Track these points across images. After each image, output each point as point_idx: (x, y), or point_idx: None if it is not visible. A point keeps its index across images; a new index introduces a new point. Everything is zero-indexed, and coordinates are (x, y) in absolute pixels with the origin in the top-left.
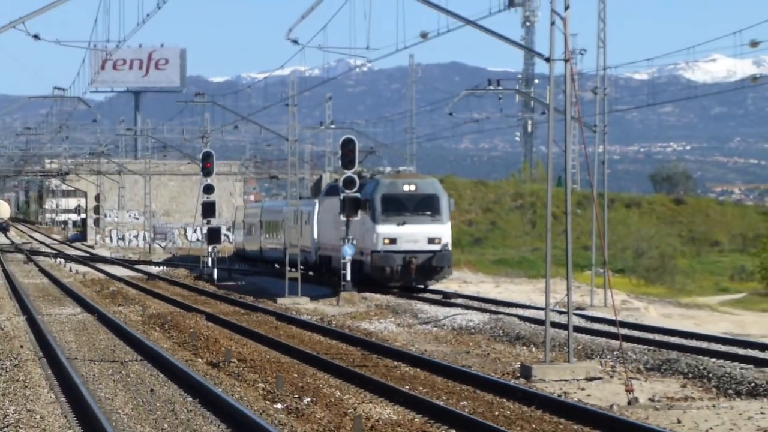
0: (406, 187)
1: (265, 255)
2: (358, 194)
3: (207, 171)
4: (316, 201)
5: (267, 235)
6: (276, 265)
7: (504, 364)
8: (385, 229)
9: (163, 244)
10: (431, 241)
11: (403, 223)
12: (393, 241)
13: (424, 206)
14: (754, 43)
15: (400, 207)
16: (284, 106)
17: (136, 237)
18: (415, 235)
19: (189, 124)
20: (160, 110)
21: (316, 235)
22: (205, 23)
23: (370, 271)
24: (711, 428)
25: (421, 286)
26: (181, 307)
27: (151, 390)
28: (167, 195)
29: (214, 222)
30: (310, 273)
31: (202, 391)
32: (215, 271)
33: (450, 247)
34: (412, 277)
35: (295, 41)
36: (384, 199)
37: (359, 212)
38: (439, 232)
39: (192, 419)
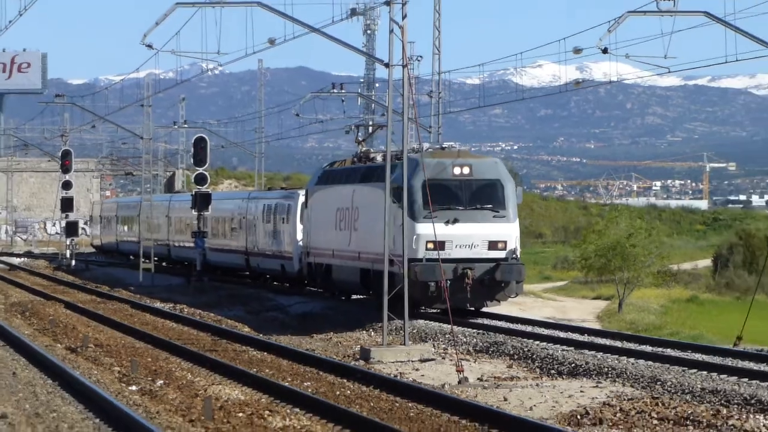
0: (457, 170)
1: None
2: (209, 191)
3: (66, 168)
4: (300, 192)
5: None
6: (131, 257)
7: (345, 347)
8: (429, 229)
9: (24, 237)
10: (493, 245)
11: (455, 221)
12: (440, 245)
13: (483, 197)
14: (577, 50)
15: (449, 198)
16: (140, 107)
17: None
18: (471, 237)
19: (50, 124)
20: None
21: (300, 237)
22: (65, 28)
23: (408, 286)
24: (535, 405)
25: (474, 308)
26: (42, 296)
27: (14, 373)
28: (28, 191)
29: (72, 216)
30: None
31: (62, 374)
32: (73, 262)
33: (518, 254)
34: (466, 295)
35: (149, 46)
36: (427, 186)
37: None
38: (505, 233)
39: (52, 400)
